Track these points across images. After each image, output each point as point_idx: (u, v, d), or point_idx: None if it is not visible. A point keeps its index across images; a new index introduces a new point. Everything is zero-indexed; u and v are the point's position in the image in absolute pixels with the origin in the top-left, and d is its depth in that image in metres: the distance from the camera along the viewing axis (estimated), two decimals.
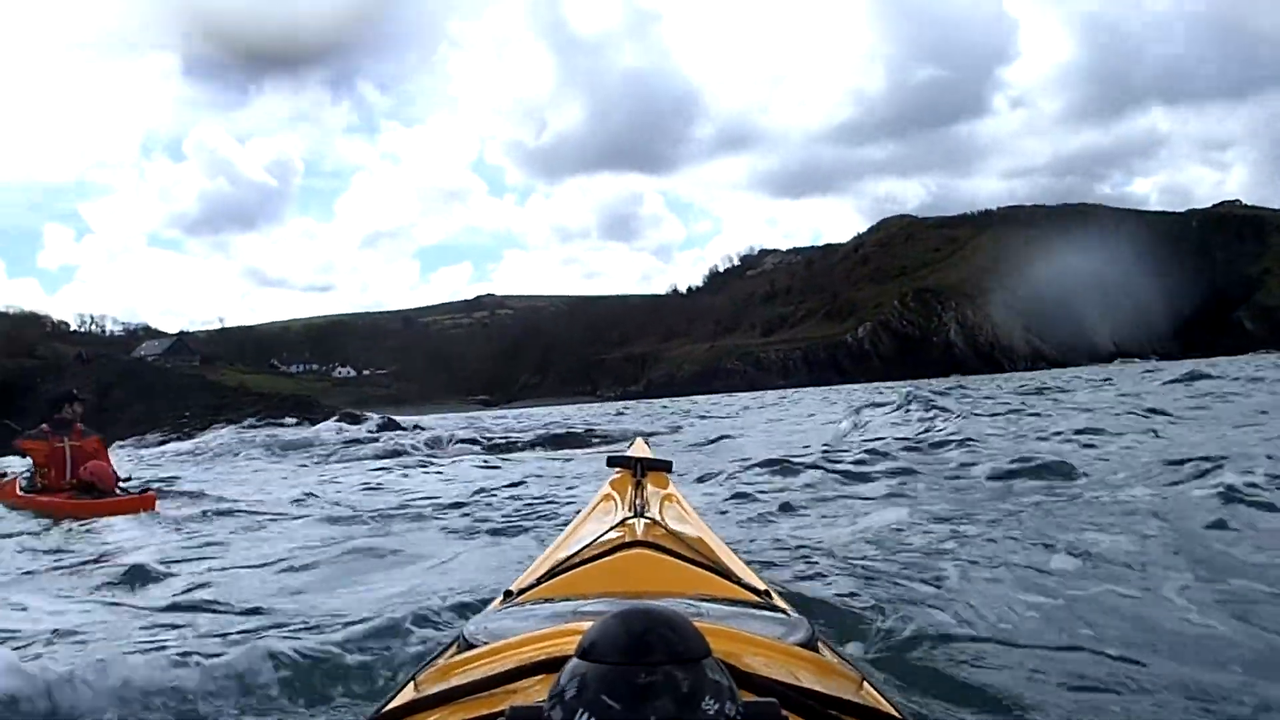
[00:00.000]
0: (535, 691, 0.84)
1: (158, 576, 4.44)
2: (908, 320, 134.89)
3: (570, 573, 1.47)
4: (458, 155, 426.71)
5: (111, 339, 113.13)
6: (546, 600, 1.28)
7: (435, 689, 0.92)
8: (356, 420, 23.91)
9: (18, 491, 8.67)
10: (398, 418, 24.96)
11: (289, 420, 25.13)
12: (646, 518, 1.80)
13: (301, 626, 3.17)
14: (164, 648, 2.80)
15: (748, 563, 1.94)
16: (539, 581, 1.49)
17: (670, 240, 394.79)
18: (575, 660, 0.67)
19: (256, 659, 2.54)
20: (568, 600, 1.23)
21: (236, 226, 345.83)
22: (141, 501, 7.89)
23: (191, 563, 4.97)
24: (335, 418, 24.75)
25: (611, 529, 1.75)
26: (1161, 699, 2.20)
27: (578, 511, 2.41)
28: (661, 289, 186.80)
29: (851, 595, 3.14)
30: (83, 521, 7.34)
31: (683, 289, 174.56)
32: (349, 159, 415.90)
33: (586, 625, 0.71)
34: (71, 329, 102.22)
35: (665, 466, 2.41)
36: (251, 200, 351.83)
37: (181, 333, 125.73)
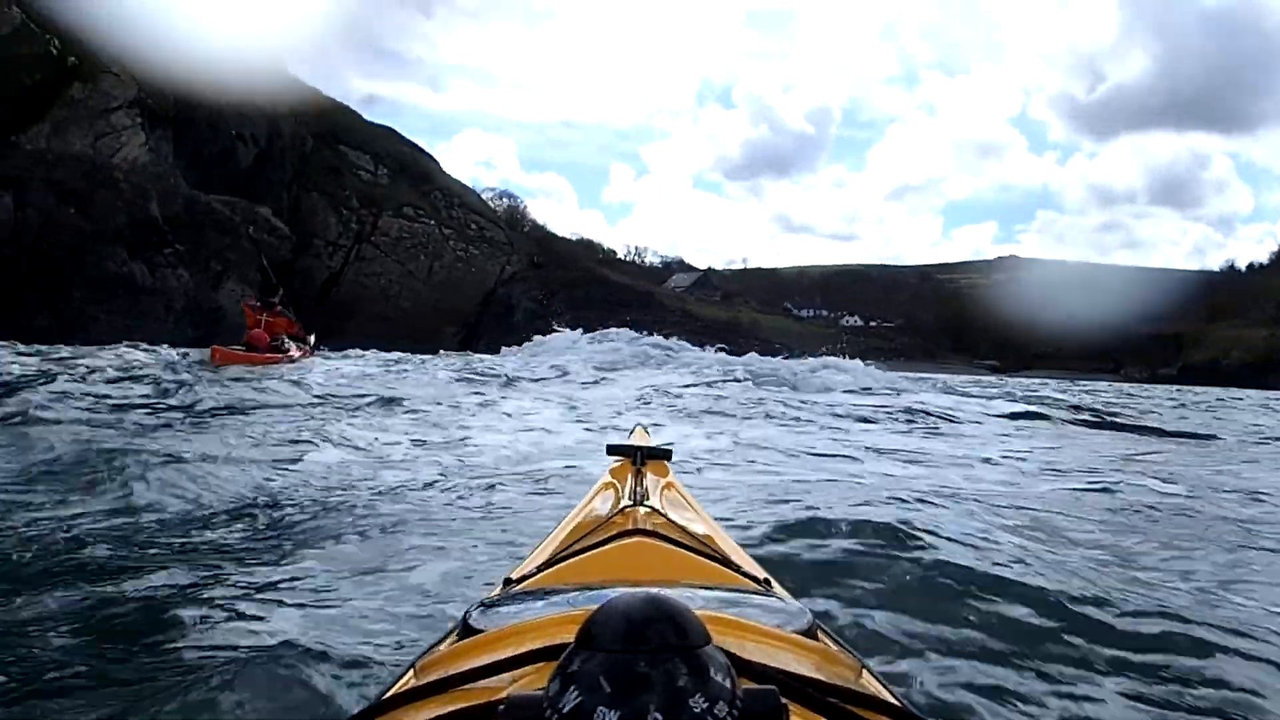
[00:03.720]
0: (535, 679, 0.84)
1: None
2: None
3: (570, 561, 1.48)
4: (998, 108, 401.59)
5: (648, 269, 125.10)
6: (546, 588, 1.30)
7: (435, 676, 0.93)
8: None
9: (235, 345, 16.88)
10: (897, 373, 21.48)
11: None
12: (646, 506, 1.78)
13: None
14: None
15: (748, 551, 1.94)
16: (539, 569, 1.50)
17: (1234, 210, 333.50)
18: (575, 647, 0.67)
19: None
20: (568, 588, 1.24)
21: (772, 172, 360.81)
22: (264, 359, 16.12)
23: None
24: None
25: (611, 517, 1.76)
26: None
27: (578, 499, 2.40)
28: (1214, 265, 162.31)
29: None
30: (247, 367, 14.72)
31: (1241, 266, 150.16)
32: (885, 109, 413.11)
33: (586, 612, 0.71)
34: (617, 256, 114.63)
35: (665, 455, 2.42)
36: (788, 147, 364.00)
37: (709, 269, 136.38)
